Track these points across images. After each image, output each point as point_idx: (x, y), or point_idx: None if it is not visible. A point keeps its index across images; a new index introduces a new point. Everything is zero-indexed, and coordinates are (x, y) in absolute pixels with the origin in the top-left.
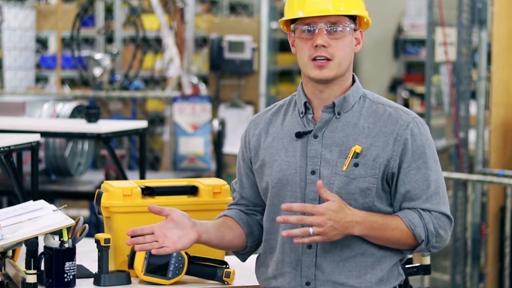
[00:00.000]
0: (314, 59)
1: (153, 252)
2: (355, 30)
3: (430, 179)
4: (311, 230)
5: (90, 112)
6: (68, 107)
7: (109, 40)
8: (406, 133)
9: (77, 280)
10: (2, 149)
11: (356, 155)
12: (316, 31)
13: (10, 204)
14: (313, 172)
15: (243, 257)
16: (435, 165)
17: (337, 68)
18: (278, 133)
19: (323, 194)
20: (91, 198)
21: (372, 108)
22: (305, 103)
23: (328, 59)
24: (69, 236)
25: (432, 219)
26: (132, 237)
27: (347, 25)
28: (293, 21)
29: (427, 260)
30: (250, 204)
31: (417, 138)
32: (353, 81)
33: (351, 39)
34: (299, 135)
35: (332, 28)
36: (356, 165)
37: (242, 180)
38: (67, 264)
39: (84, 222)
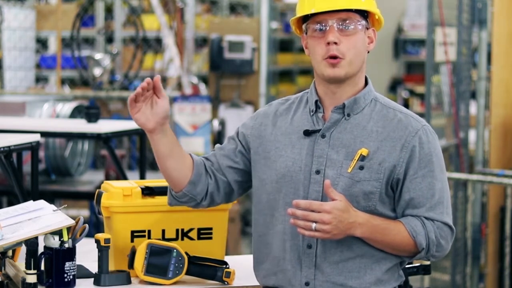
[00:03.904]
0: (327, 58)
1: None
2: (367, 28)
3: (435, 188)
4: (313, 225)
5: (90, 112)
6: (68, 107)
7: (109, 40)
8: (414, 140)
9: (77, 280)
10: (2, 149)
11: (362, 158)
12: (328, 29)
13: (10, 204)
14: (317, 172)
15: (170, 199)
16: (441, 175)
17: (348, 66)
18: (286, 129)
19: (330, 193)
20: (91, 198)
21: (383, 112)
22: (316, 101)
23: (339, 58)
24: (69, 236)
25: (434, 228)
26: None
27: (358, 22)
28: (304, 21)
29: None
30: (215, 168)
31: (425, 146)
32: (366, 83)
33: (363, 37)
34: (307, 133)
35: (343, 25)
36: (361, 168)
37: (225, 148)
38: (67, 264)
39: (84, 222)
